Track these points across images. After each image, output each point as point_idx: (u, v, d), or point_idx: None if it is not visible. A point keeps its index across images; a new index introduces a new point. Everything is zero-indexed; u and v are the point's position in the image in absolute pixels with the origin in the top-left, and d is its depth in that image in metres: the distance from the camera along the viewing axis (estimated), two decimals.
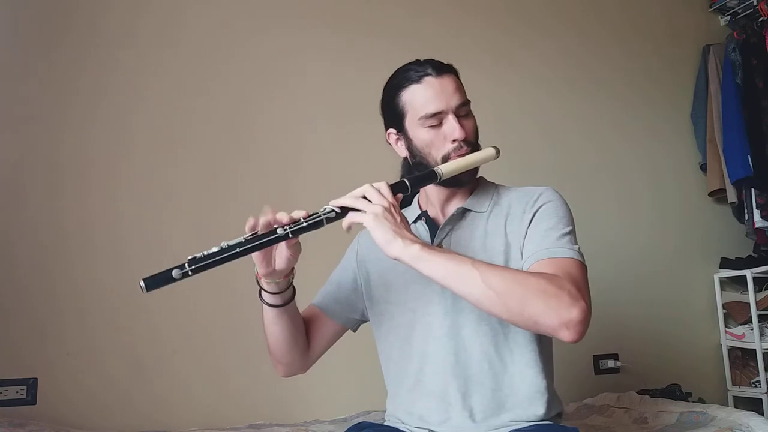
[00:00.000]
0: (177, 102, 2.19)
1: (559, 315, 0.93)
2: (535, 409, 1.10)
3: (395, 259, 0.97)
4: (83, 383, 1.92)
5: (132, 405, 1.94)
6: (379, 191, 1.00)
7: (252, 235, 0.95)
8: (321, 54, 2.39)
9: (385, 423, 1.22)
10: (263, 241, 0.95)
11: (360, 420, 1.75)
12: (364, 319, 1.29)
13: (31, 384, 1.88)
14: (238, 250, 0.92)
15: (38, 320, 1.92)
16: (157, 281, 0.88)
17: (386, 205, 0.98)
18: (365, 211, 0.97)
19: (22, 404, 1.86)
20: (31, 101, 2.05)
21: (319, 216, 0.97)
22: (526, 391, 1.10)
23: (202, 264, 0.90)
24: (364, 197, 0.99)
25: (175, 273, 0.88)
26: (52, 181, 2.03)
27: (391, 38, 2.44)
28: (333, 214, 0.98)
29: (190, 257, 0.90)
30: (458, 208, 1.18)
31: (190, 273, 0.89)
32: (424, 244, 0.97)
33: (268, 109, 2.29)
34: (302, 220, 0.96)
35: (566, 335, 0.93)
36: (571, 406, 2.05)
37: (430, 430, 1.12)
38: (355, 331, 1.31)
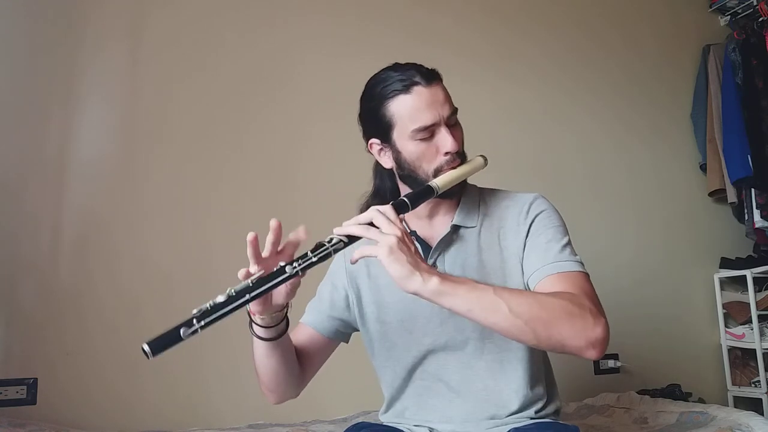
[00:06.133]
0: (176, 100, 2.19)
1: (585, 335, 0.92)
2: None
3: (413, 294, 0.92)
4: (83, 383, 1.92)
5: (132, 405, 1.94)
6: (387, 218, 0.94)
7: (258, 276, 0.89)
8: (322, 46, 2.39)
9: (385, 423, 1.21)
10: (272, 283, 0.89)
11: (360, 420, 1.75)
12: (356, 330, 1.26)
13: (31, 384, 1.88)
14: (247, 296, 0.87)
15: (38, 320, 1.92)
16: (163, 343, 0.80)
17: (399, 234, 0.92)
18: (377, 242, 0.92)
19: (22, 404, 1.85)
20: (30, 101, 2.05)
21: (327, 248, 0.91)
22: (530, 403, 1.11)
23: (211, 318, 0.84)
24: (371, 223, 0.94)
25: (183, 332, 0.81)
26: (52, 181, 2.03)
27: (394, 31, 2.45)
28: (341, 245, 0.93)
29: (195, 311, 0.84)
30: (450, 227, 1.14)
31: (199, 330, 0.83)
32: (441, 275, 0.93)
33: (268, 102, 2.28)
34: (309, 254, 0.91)
35: (592, 354, 0.93)
36: (571, 406, 2.05)
37: (430, 428, 1.13)
38: (347, 342, 1.28)
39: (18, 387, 1.86)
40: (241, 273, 0.92)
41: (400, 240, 0.92)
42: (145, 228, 2.06)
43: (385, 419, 1.21)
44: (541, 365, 1.14)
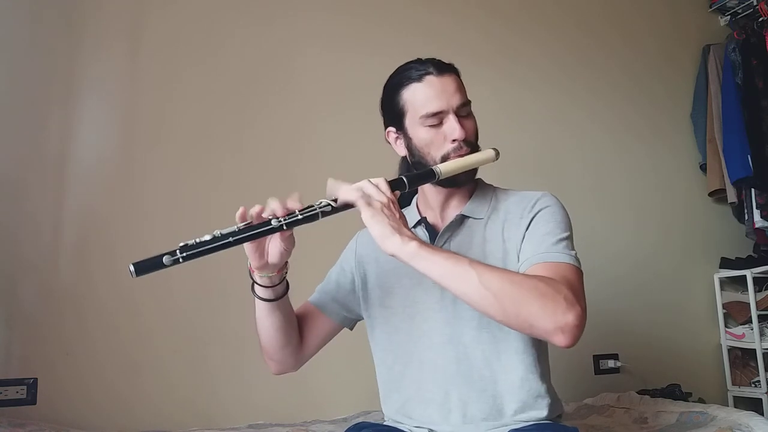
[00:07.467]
0: (176, 100, 2.19)
1: (554, 318, 0.91)
2: (537, 413, 1.10)
3: (391, 255, 0.95)
4: (83, 383, 1.92)
5: (132, 405, 1.94)
6: (377, 187, 0.99)
7: (246, 224, 0.94)
8: (322, 44, 2.39)
9: (385, 423, 1.22)
10: (256, 231, 0.93)
11: (360, 420, 1.75)
12: (360, 318, 1.28)
13: (31, 384, 1.88)
14: (230, 239, 0.91)
15: (38, 321, 1.92)
16: (146, 266, 0.87)
17: (384, 200, 0.97)
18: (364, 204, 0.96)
19: (22, 404, 1.86)
20: (30, 101, 2.05)
21: (315, 209, 0.96)
22: (527, 396, 1.10)
23: (194, 251, 0.89)
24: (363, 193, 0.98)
25: (165, 259, 0.87)
26: (52, 181, 2.03)
27: (394, 29, 2.45)
28: (329, 208, 0.96)
29: (181, 244, 0.89)
30: (457, 215, 1.17)
31: (180, 260, 0.88)
32: (421, 242, 0.96)
33: (268, 101, 2.29)
34: (297, 212, 0.95)
35: (561, 339, 0.92)
36: (571, 406, 2.05)
37: (430, 429, 1.13)
38: (351, 329, 1.30)
39: (18, 387, 1.86)
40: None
41: (385, 205, 0.97)
42: (145, 228, 2.06)
43: (387, 410, 1.21)
44: (540, 359, 1.13)
